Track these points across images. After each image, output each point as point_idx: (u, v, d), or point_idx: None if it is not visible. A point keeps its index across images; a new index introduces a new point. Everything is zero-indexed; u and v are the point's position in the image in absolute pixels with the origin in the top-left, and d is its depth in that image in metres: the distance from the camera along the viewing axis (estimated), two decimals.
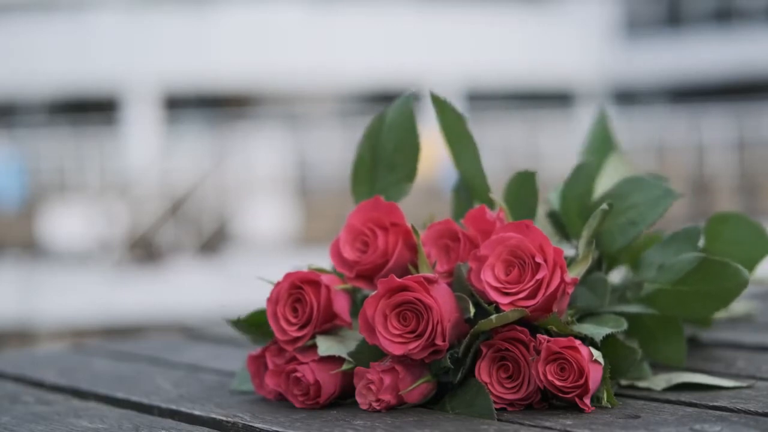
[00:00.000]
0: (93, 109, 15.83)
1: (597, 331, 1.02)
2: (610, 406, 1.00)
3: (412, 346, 1.00)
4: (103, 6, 15.91)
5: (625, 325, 1.04)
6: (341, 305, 1.07)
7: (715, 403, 1.00)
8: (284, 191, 12.87)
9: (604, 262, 1.15)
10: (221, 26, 16.06)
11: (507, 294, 1.01)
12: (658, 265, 1.11)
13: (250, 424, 1.00)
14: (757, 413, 0.97)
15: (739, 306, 1.44)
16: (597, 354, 1.00)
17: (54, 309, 10.83)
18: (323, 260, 1.15)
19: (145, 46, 15.74)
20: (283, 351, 1.07)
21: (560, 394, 0.99)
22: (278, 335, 1.06)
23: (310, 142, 13.83)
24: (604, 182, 1.22)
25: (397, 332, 1.01)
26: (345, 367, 1.04)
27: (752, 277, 1.24)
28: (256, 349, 1.09)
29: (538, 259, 1.01)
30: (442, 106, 1.17)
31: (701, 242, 1.18)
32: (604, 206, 1.08)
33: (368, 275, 1.08)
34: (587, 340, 1.01)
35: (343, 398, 1.05)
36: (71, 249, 11.70)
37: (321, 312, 1.05)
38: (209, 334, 1.55)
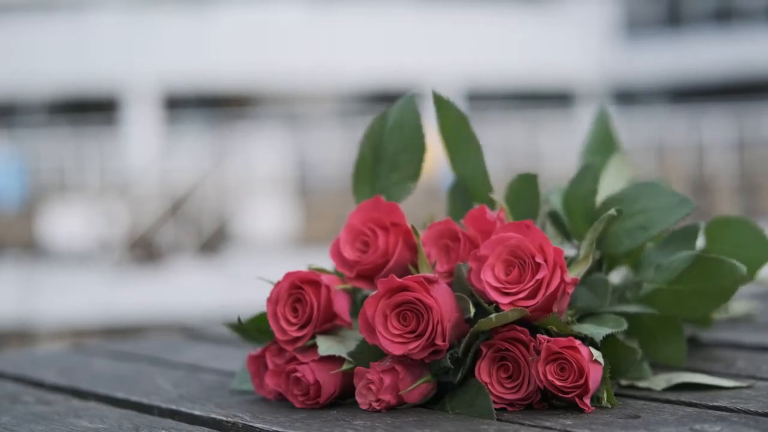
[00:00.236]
0: (93, 109, 15.83)
1: (597, 331, 1.02)
2: (610, 406, 1.00)
3: (412, 346, 1.00)
4: (103, 6, 15.90)
5: (625, 325, 1.04)
6: (341, 305, 1.07)
7: (715, 403, 1.00)
8: (284, 191, 12.87)
9: (604, 262, 1.15)
10: (221, 26, 16.06)
11: (507, 294, 1.01)
12: (656, 265, 1.11)
13: (250, 424, 1.00)
14: (757, 413, 0.97)
15: (739, 306, 1.44)
16: (597, 354, 1.00)
17: (54, 309, 10.84)
18: (323, 260, 1.15)
19: (145, 46, 15.74)
20: (283, 351, 1.07)
21: (560, 394, 0.99)
22: (278, 335, 1.06)
23: (310, 142, 13.83)
24: (607, 183, 1.22)
25: (397, 332, 1.01)
26: (345, 367, 1.04)
27: (754, 280, 1.24)
28: (256, 349, 1.09)
29: (539, 259, 1.01)
30: (444, 105, 1.16)
31: (701, 243, 1.18)
32: (613, 212, 1.08)
33: (368, 275, 1.08)
34: (587, 340, 1.01)
35: (343, 398, 1.05)
36: (71, 249, 11.70)
37: (321, 312, 1.05)
38: (209, 334, 1.55)
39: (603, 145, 1.34)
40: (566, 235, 1.18)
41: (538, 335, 1.00)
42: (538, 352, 1.00)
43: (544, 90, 17.49)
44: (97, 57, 15.64)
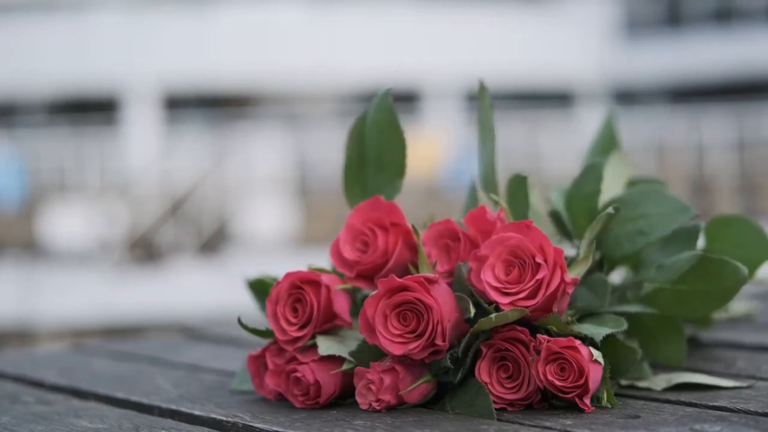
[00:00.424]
0: (93, 109, 15.83)
1: (597, 331, 1.02)
2: (610, 406, 1.00)
3: (412, 346, 1.00)
4: (103, 6, 15.90)
5: (625, 325, 1.04)
6: (341, 305, 1.07)
7: (715, 403, 1.00)
8: (284, 191, 12.87)
9: (605, 263, 1.15)
10: (221, 26, 16.06)
11: (507, 294, 1.01)
12: (657, 265, 1.11)
13: (250, 424, 1.00)
14: (757, 413, 0.97)
15: (739, 306, 1.44)
16: (597, 354, 1.00)
17: (54, 309, 10.84)
18: (323, 260, 1.15)
19: (145, 46, 15.74)
20: (283, 351, 1.07)
21: (560, 394, 0.99)
22: (278, 335, 1.06)
23: (310, 142, 13.83)
24: (607, 183, 1.21)
25: (397, 332, 1.01)
26: (345, 367, 1.04)
27: (753, 278, 1.24)
28: (256, 349, 1.09)
29: (539, 259, 1.01)
30: (482, 92, 1.17)
31: (702, 243, 1.18)
32: (610, 210, 1.08)
33: (368, 275, 1.08)
34: (587, 340, 1.01)
35: (343, 398, 1.05)
36: (71, 249, 11.70)
37: (321, 312, 1.05)
38: (209, 334, 1.55)
39: (608, 148, 1.34)
40: (568, 235, 1.18)
41: (538, 335, 1.00)
42: (538, 352, 1.00)
43: (544, 90, 17.49)
44: (97, 57, 15.64)
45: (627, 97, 17.81)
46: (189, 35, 15.92)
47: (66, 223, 11.81)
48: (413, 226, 1.08)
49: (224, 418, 1.02)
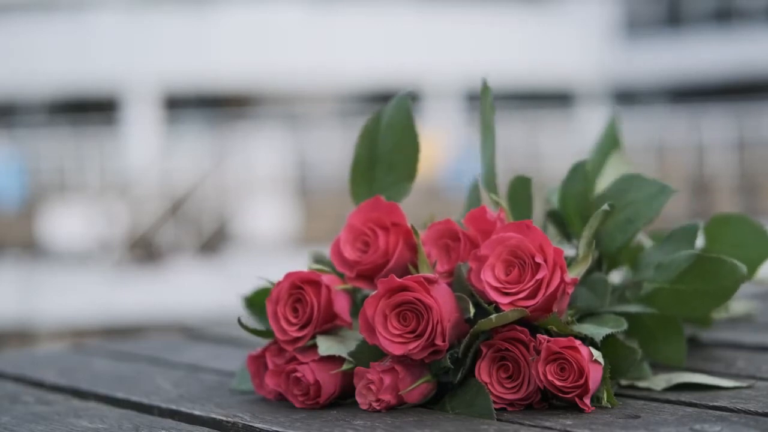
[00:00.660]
0: (93, 109, 15.83)
1: (597, 331, 1.02)
2: (610, 406, 1.00)
3: (412, 346, 1.00)
4: (103, 6, 15.90)
5: (625, 325, 1.04)
6: (341, 305, 1.07)
7: (715, 403, 1.00)
8: (284, 191, 12.87)
9: (604, 262, 1.15)
10: (221, 26, 16.06)
11: (507, 294, 1.01)
12: (656, 264, 1.11)
13: (250, 424, 1.00)
14: (757, 413, 0.97)
15: (739, 306, 1.44)
16: (597, 354, 1.00)
17: (54, 309, 10.84)
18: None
19: (145, 46, 15.74)
20: (283, 351, 1.07)
21: (560, 394, 0.99)
22: (278, 335, 1.06)
23: (310, 142, 13.83)
24: (605, 181, 1.22)
25: (397, 332, 1.01)
26: (345, 367, 1.04)
27: (753, 278, 1.24)
28: (256, 349, 1.09)
29: (538, 259, 1.01)
30: (484, 92, 1.17)
31: (702, 243, 1.18)
32: (606, 207, 1.08)
33: (368, 275, 1.08)
34: (587, 340, 1.01)
35: (343, 398, 1.05)
36: (71, 249, 11.70)
37: (321, 312, 1.05)
38: (209, 334, 1.55)
39: (611, 148, 1.34)
40: (566, 235, 1.18)
41: (538, 335, 1.00)
42: (538, 352, 1.00)
43: (544, 90, 17.49)
44: (97, 57, 15.64)
45: (627, 97, 17.81)
46: (189, 35, 15.92)
47: (66, 223, 11.81)
48: (413, 226, 1.08)
49: (224, 418, 1.02)
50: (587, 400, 0.99)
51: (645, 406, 1.01)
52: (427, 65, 16.42)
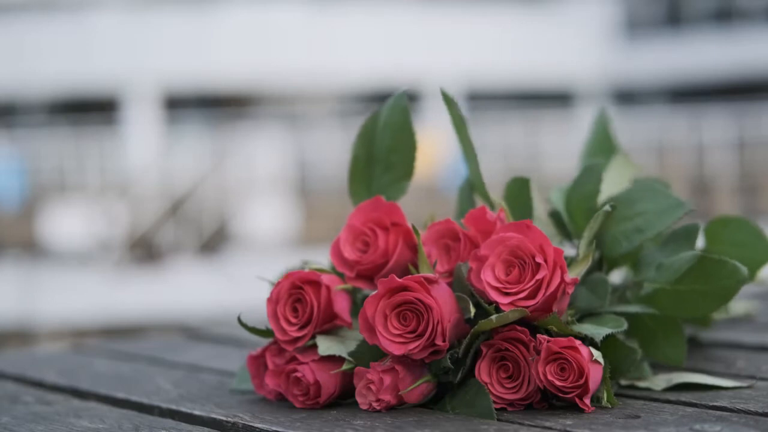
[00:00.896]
0: (93, 109, 15.83)
1: (597, 331, 1.02)
2: (610, 406, 1.00)
3: (412, 346, 1.00)
4: (103, 6, 15.91)
5: (625, 325, 1.04)
6: (341, 305, 1.07)
7: (715, 403, 1.00)
8: (284, 191, 12.87)
9: (604, 263, 1.15)
10: (221, 26, 16.06)
11: (507, 294, 1.01)
12: (656, 265, 1.11)
13: (250, 424, 1.00)
14: (757, 413, 0.97)
15: (739, 306, 1.44)
16: (597, 354, 1.00)
17: (54, 309, 10.84)
18: (323, 260, 1.15)
19: (145, 46, 15.74)
20: (283, 351, 1.07)
21: (560, 394, 0.99)
22: (278, 335, 1.06)
23: (310, 142, 13.84)
24: (609, 184, 1.22)
25: (397, 332, 1.01)
26: (345, 367, 1.04)
27: (754, 279, 1.24)
28: (256, 349, 1.09)
29: (539, 259, 1.01)
30: (449, 103, 1.16)
31: (701, 243, 1.18)
32: (607, 207, 1.08)
33: (368, 275, 1.08)
34: (587, 340, 1.01)
35: (343, 398, 1.05)
36: (71, 249, 11.71)
37: (321, 312, 1.05)
38: (209, 334, 1.55)
39: (603, 147, 1.34)
40: (567, 235, 1.18)
41: (538, 335, 1.00)
42: (538, 352, 1.00)
43: (544, 90, 17.49)
44: (98, 57, 15.65)
45: (627, 97, 17.81)
46: (189, 35, 15.92)
47: (66, 223, 11.81)
48: (413, 226, 1.08)
49: (224, 418, 1.02)
50: (587, 400, 0.99)
51: (645, 406, 1.01)
52: (427, 65, 16.42)
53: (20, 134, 14.60)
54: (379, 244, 1.08)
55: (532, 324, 1.02)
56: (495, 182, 1.17)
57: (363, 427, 0.97)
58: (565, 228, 1.18)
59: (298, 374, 1.04)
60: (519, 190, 1.13)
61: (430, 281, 1.01)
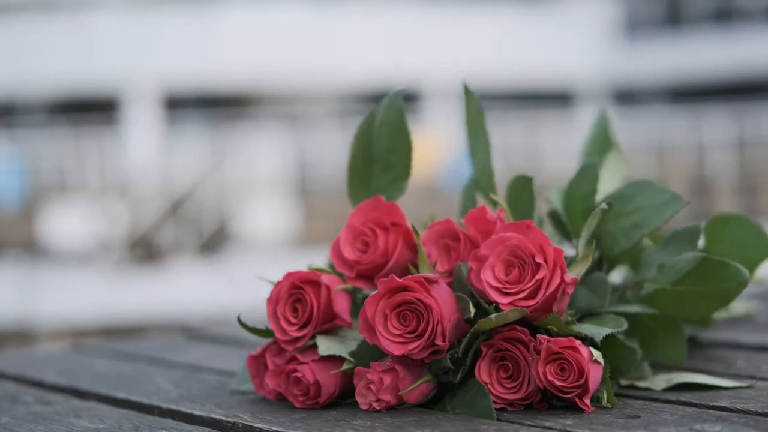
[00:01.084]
0: (93, 109, 15.83)
1: (597, 331, 1.02)
2: (610, 406, 1.00)
3: (412, 346, 1.00)
4: (103, 6, 15.91)
5: (625, 325, 1.04)
6: (341, 305, 1.07)
7: (715, 403, 1.00)
8: (284, 191, 12.87)
9: (604, 262, 1.15)
10: (221, 26, 16.06)
11: (507, 294, 1.01)
12: (657, 265, 1.11)
13: (250, 424, 1.00)
14: (757, 413, 0.97)
15: (739, 306, 1.44)
16: (597, 354, 1.00)
17: (54, 309, 10.84)
18: (323, 260, 1.15)
19: (145, 46, 15.74)
20: (283, 351, 1.07)
21: (560, 394, 0.99)
22: (278, 335, 1.06)
23: (310, 142, 13.83)
24: (603, 182, 1.22)
25: (397, 332, 1.01)
26: (345, 367, 1.04)
27: (752, 278, 1.24)
28: (256, 349, 1.09)
29: (538, 259, 1.01)
30: (468, 96, 1.16)
31: (702, 242, 1.18)
32: (603, 205, 1.08)
33: (368, 275, 1.08)
34: (587, 340, 1.01)
35: (343, 398, 1.05)
36: (71, 249, 11.70)
37: (321, 312, 1.05)
38: (209, 334, 1.55)
39: (602, 147, 1.34)
40: (567, 235, 1.18)
41: (538, 335, 1.00)
42: (538, 352, 0.99)
43: (544, 90, 17.49)
44: (98, 57, 15.65)
45: (627, 97, 17.81)
46: (189, 35, 15.92)
47: (66, 223, 11.81)
48: (413, 226, 1.08)
49: (224, 418, 1.02)
50: (587, 400, 0.99)
51: (645, 406, 1.01)
52: (427, 65, 16.42)
53: (20, 134, 14.60)
54: (378, 244, 1.08)
55: (532, 324, 1.02)
56: (495, 182, 1.17)
57: (363, 427, 0.97)
58: (564, 228, 1.18)
59: (298, 374, 1.04)
60: (521, 189, 1.13)
61: (430, 281, 1.01)
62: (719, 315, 1.35)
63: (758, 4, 16.87)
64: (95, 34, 15.72)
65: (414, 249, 1.08)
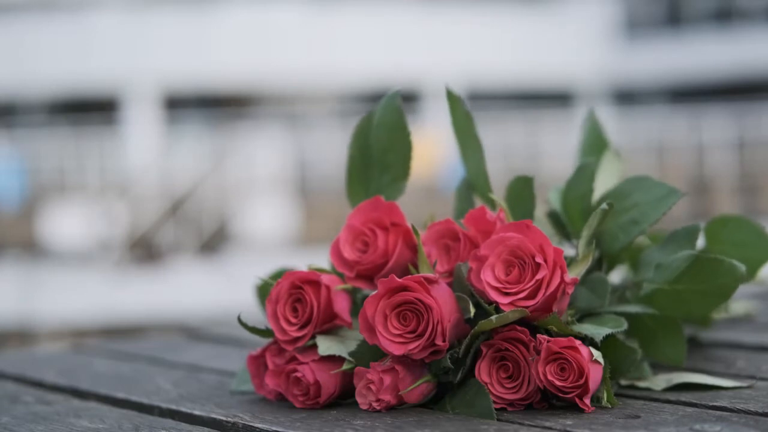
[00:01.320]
0: (93, 109, 15.83)
1: (597, 331, 1.02)
2: (610, 406, 1.00)
3: (412, 346, 1.00)
4: (103, 6, 15.90)
5: (625, 325, 1.04)
6: (341, 305, 1.07)
7: (715, 403, 1.00)
8: (284, 191, 12.87)
9: (604, 262, 1.15)
10: (221, 26, 16.06)
11: (507, 294, 1.01)
12: (655, 265, 1.11)
13: (250, 424, 1.00)
14: (757, 413, 0.97)
15: (739, 306, 1.44)
16: (597, 354, 1.00)
17: (54, 309, 10.84)
18: (323, 260, 1.15)
19: (145, 46, 15.74)
20: (283, 351, 1.07)
21: (560, 394, 0.99)
22: (278, 335, 1.06)
23: (310, 142, 13.83)
24: (600, 180, 1.22)
25: (397, 332, 1.01)
26: (345, 367, 1.04)
27: (754, 279, 1.24)
28: (256, 349, 1.09)
29: (538, 259, 1.01)
30: (453, 101, 1.16)
31: (702, 243, 1.18)
32: (604, 206, 1.08)
33: (368, 275, 1.08)
34: (587, 340, 1.01)
35: (343, 398, 1.05)
36: (71, 249, 11.70)
37: (321, 312, 1.05)
38: (209, 334, 1.55)
39: (595, 146, 1.34)
40: (566, 235, 1.18)
41: (538, 335, 1.00)
42: (538, 352, 0.99)
43: (544, 90, 17.49)
44: (98, 57, 15.64)
45: (627, 97, 17.81)
46: (189, 35, 15.92)
47: (66, 223, 11.81)
48: (413, 226, 1.08)
49: (224, 418, 1.02)
50: (587, 400, 0.99)
51: (645, 406, 1.01)
52: (427, 65, 16.42)
53: (20, 134, 14.60)
54: (378, 244, 1.08)
55: (532, 324, 1.02)
56: (495, 182, 1.17)
57: (363, 427, 0.97)
58: (563, 228, 1.18)
59: (298, 374, 1.04)
60: (521, 189, 1.13)
61: (430, 281, 1.01)
62: (719, 315, 1.35)
63: (758, 4, 16.87)
64: (95, 34, 15.72)
65: (414, 249, 1.08)
